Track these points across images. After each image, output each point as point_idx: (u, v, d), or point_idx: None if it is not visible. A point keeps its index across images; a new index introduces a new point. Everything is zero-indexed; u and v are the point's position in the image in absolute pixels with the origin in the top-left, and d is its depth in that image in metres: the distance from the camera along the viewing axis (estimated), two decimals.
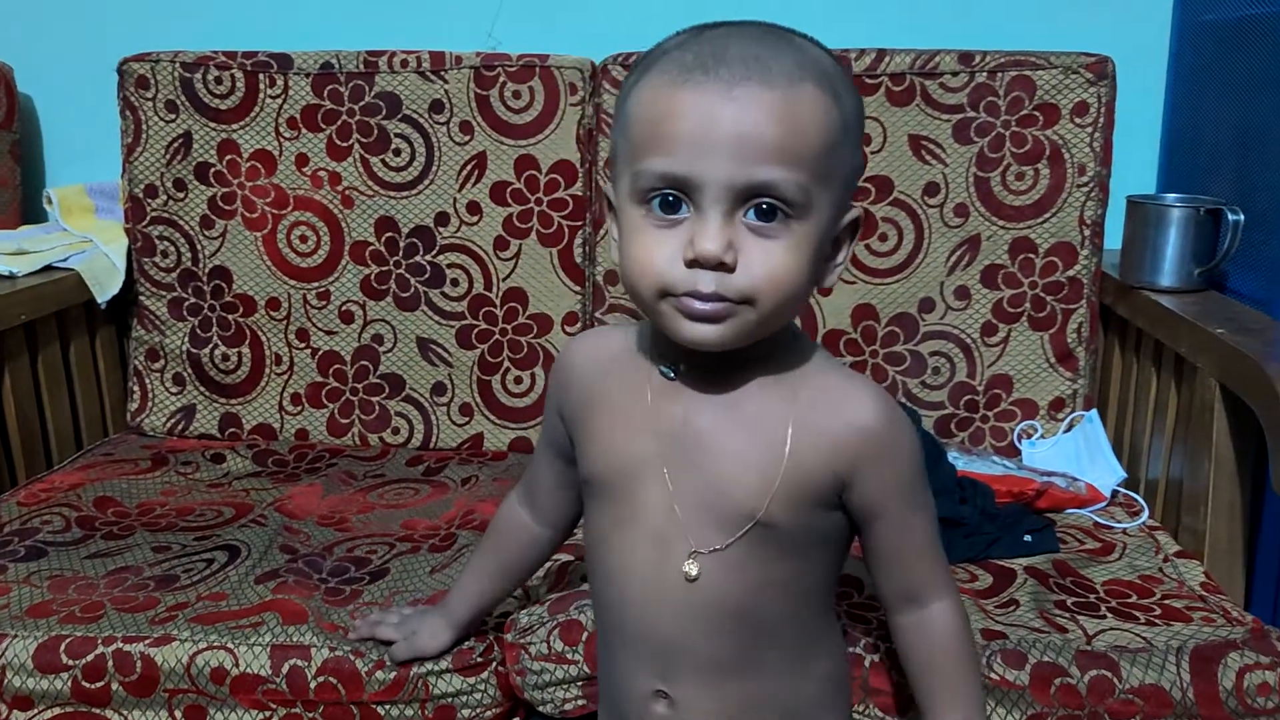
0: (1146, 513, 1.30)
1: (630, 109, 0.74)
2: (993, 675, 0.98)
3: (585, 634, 1.03)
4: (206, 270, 1.60)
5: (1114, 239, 1.51)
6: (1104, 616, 1.05)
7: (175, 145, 1.58)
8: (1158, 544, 1.22)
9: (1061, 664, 0.98)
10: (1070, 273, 1.49)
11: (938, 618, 0.82)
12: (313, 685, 1.03)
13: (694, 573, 0.77)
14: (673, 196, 0.70)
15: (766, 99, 0.68)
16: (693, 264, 0.70)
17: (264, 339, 1.61)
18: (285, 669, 1.03)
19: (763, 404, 0.77)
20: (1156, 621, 1.04)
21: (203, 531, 1.28)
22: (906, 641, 0.84)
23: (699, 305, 0.70)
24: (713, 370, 0.78)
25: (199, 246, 1.60)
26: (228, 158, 1.58)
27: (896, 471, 0.78)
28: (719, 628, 0.79)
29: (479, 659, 1.05)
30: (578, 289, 1.57)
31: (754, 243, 0.70)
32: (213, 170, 1.59)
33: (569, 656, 1.03)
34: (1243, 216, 1.34)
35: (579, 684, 1.03)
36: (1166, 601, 1.09)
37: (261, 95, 1.57)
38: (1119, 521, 1.29)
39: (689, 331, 0.72)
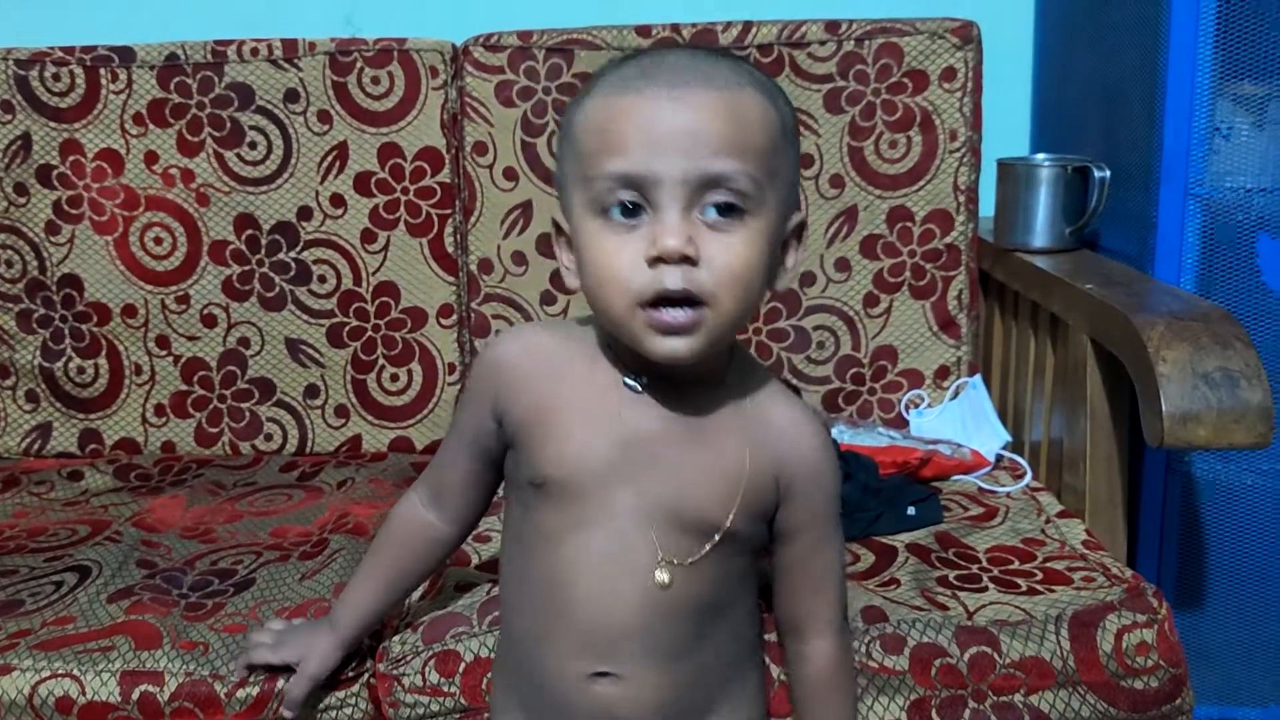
0: (1029, 475, 1.30)
1: (576, 127, 0.76)
2: (871, 663, 0.95)
3: (462, 664, 0.98)
4: (55, 279, 1.52)
5: (989, 204, 1.50)
6: (985, 589, 1.03)
7: (14, 148, 1.49)
8: (1040, 505, 1.22)
9: (941, 643, 0.96)
10: (948, 239, 1.47)
11: (812, 656, 0.87)
12: (167, 710, 0.97)
13: (666, 580, 0.79)
14: (631, 202, 0.72)
15: (710, 97, 0.71)
16: (655, 262, 0.71)
17: (121, 349, 1.53)
18: (136, 696, 0.97)
19: (722, 422, 0.80)
20: (1038, 588, 1.02)
21: (53, 552, 1.20)
22: (787, 671, 0.90)
23: (670, 319, 0.72)
24: (676, 385, 0.80)
25: (45, 254, 1.51)
26: (71, 158, 1.50)
27: (822, 499, 0.84)
28: (679, 622, 0.81)
29: (350, 673, 0.99)
30: (451, 279, 1.52)
31: (712, 238, 0.72)
32: (56, 173, 1.50)
33: (445, 689, 0.97)
34: (1109, 173, 1.34)
35: (455, 716, 0.98)
36: (1048, 564, 1.07)
37: (104, 91, 1.49)
38: (1002, 485, 1.28)
39: (661, 347, 0.73)
